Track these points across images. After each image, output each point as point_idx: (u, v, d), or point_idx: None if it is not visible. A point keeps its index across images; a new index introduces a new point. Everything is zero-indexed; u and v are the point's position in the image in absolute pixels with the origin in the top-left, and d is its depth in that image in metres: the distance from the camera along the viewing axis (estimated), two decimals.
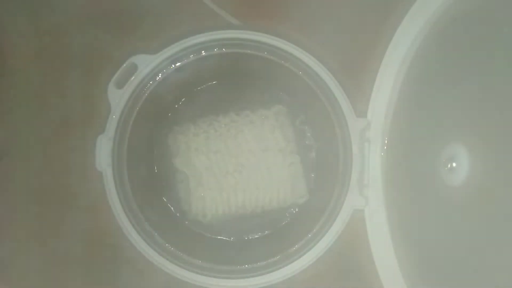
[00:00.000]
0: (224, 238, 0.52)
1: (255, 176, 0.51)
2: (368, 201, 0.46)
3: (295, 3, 0.50)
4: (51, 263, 0.52)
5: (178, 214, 0.53)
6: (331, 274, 0.49)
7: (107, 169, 0.46)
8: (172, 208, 0.53)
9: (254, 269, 0.47)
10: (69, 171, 0.51)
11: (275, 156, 0.51)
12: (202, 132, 0.51)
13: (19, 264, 0.52)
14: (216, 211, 0.51)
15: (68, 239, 0.52)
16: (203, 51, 0.47)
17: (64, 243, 0.52)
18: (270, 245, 0.51)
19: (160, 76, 0.47)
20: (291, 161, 0.51)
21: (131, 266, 0.51)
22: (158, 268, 0.46)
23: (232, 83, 0.53)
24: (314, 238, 0.47)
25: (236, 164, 0.51)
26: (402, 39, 0.45)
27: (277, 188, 0.51)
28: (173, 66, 0.47)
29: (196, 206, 0.51)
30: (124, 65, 0.46)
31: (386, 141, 0.46)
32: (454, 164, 0.45)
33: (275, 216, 0.53)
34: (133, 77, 0.47)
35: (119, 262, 0.51)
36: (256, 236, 0.52)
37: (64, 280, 0.52)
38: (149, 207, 0.49)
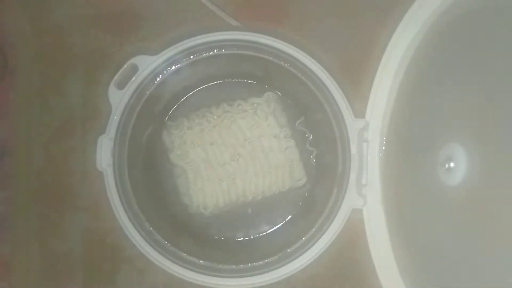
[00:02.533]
0: (224, 238, 0.53)
1: (252, 163, 0.52)
2: (366, 200, 0.46)
3: (293, 4, 0.51)
4: (51, 263, 0.52)
5: (178, 214, 0.53)
6: (330, 273, 0.50)
7: (108, 169, 0.46)
8: (172, 207, 0.53)
9: (253, 268, 0.47)
10: (70, 171, 0.52)
11: (270, 142, 0.52)
12: (196, 125, 0.52)
13: (19, 264, 0.52)
14: (217, 201, 0.52)
15: (68, 239, 0.52)
16: (203, 52, 0.47)
17: (65, 243, 0.52)
18: (269, 245, 0.51)
19: (160, 77, 0.48)
20: (286, 146, 0.52)
21: (132, 265, 0.51)
22: (158, 267, 0.47)
23: (231, 84, 0.54)
24: (313, 237, 0.47)
25: (232, 154, 0.52)
26: (400, 40, 0.45)
27: (275, 173, 0.52)
28: (173, 67, 0.47)
29: (197, 199, 0.52)
30: (125, 66, 0.47)
31: (384, 142, 0.47)
32: (452, 164, 0.46)
33: (274, 215, 0.53)
34: (133, 78, 0.47)
35: (120, 262, 0.51)
36: (255, 236, 0.53)
37: (64, 280, 0.52)
38: (150, 207, 0.49)
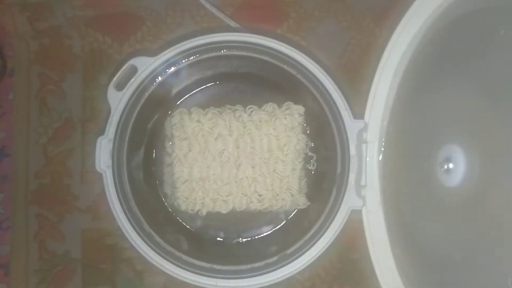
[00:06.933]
0: (223, 239, 0.53)
1: (253, 175, 0.51)
2: (365, 201, 0.46)
3: (292, 6, 0.51)
4: (50, 264, 0.52)
5: (177, 215, 0.53)
6: (329, 274, 0.50)
7: (107, 171, 0.46)
8: (171, 208, 0.53)
9: (252, 270, 0.47)
10: (69, 172, 0.52)
11: (276, 162, 0.51)
12: (209, 116, 0.51)
13: (19, 264, 0.52)
14: (202, 207, 0.51)
15: (67, 240, 0.52)
16: (202, 54, 0.47)
17: (63, 244, 0.52)
18: (269, 246, 0.51)
19: (159, 78, 0.48)
20: (292, 168, 0.51)
21: (131, 266, 0.51)
22: (157, 268, 0.47)
23: (231, 85, 0.54)
24: (313, 238, 0.47)
25: (236, 157, 0.51)
26: (399, 41, 0.45)
27: (272, 193, 0.51)
28: (172, 68, 0.47)
29: (182, 194, 0.51)
30: (124, 67, 0.47)
31: (383, 143, 0.47)
32: (450, 165, 0.46)
33: (274, 217, 0.53)
34: (132, 79, 0.47)
35: (119, 263, 0.51)
36: (255, 237, 0.53)
37: (63, 281, 0.52)
38: (149, 208, 0.49)
